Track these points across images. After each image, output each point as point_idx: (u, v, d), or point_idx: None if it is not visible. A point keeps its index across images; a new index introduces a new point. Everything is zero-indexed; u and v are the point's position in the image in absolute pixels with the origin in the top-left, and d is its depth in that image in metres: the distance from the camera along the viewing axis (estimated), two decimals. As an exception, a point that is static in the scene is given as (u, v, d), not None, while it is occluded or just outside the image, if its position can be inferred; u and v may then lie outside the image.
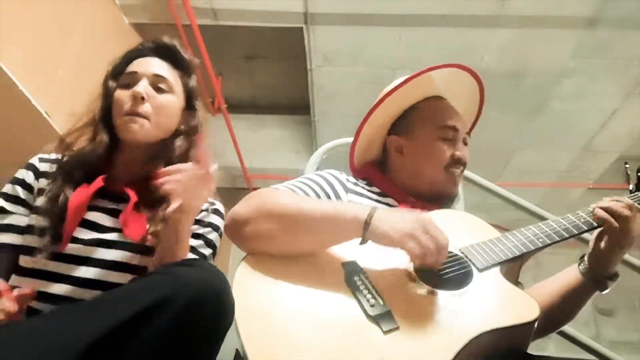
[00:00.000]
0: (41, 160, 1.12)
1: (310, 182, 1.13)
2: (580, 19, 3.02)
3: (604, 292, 1.09)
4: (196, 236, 1.11)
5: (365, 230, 0.89)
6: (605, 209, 1.04)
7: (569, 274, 1.12)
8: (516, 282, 1.07)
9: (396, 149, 1.25)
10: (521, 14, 3.00)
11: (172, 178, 0.92)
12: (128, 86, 1.11)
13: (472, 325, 0.83)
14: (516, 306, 0.88)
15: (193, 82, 1.19)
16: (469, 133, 1.28)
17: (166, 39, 1.18)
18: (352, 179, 1.21)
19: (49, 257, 0.98)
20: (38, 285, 0.97)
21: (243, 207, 0.99)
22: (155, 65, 1.13)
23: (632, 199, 1.11)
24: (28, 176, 1.09)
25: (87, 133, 1.11)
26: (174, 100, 1.13)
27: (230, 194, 4.32)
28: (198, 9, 3.05)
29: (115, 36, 2.93)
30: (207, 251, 1.12)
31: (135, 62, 1.15)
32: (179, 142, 1.11)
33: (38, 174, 1.10)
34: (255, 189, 1.04)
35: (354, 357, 0.78)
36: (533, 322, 0.86)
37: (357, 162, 1.31)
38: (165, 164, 1.03)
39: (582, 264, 1.11)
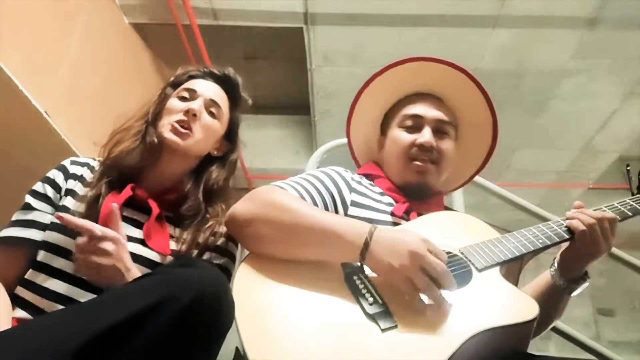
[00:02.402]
0: (72, 162, 1.17)
1: (315, 179, 1.12)
2: (580, 19, 3.02)
3: (572, 295, 1.08)
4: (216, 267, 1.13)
5: (362, 260, 0.89)
6: (578, 219, 1.03)
7: (544, 278, 1.12)
8: (516, 283, 1.07)
9: (380, 147, 1.28)
10: (521, 14, 3.00)
11: (76, 257, 0.92)
12: (184, 99, 1.18)
13: (470, 324, 0.83)
14: (515, 305, 0.88)
15: (238, 116, 1.28)
16: (447, 123, 1.21)
17: (232, 72, 1.27)
18: (357, 177, 1.20)
19: None
20: (50, 284, 0.99)
21: (244, 208, 0.99)
22: (213, 92, 1.22)
23: (634, 202, 1.11)
24: (58, 176, 1.13)
25: (137, 134, 1.15)
26: (219, 127, 1.21)
27: (231, 194, 4.32)
28: (198, 9, 3.05)
29: (115, 36, 2.93)
30: None
31: (197, 81, 1.23)
32: (217, 171, 1.19)
33: (68, 176, 1.14)
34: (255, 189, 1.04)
35: (353, 354, 0.78)
36: (532, 321, 0.86)
37: (363, 161, 1.33)
38: (202, 189, 1.13)
39: (552, 267, 1.10)
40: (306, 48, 3.33)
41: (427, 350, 0.79)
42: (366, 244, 0.88)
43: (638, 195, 1.14)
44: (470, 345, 0.80)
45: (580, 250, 1.03)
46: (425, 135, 1.17)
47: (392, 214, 1.11)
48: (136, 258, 1.02)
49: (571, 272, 1.06)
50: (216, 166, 1.20)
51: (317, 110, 3.90)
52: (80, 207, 1.05)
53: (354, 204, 1.11)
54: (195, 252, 1.10)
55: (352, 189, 1.14)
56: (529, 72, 3.45)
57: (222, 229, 1.13)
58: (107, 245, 0.92)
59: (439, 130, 1.20)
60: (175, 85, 1.23)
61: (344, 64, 3.46)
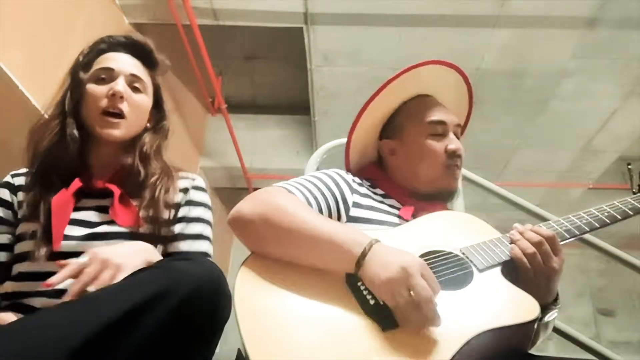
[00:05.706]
0: (14, 175, 1.14)
1: (318, 181, 1.12)
2: (580, 19, 3.02)
3: (542, 321, 0.97)
4: (199, 237, 1.14)
5: (357, 269, 0.88)
6: (519, 247, 0.96)
7: None
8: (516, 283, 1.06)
9: (390, 152, 1.25)
10: (521, 14, 3.00)
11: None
12: (103, 81, 1.11)
13: (471, 324, 0.83)
14: (516, 306, 0.88)
15: (159, 81, 1.21)
16: (460, 126, 1.25)
17: (140, 37, 1.19)
18: (358, 180, 1.20)
19: (46, 257, 0.98)
20: (36, 287, 0.97)
21: (247, 207, 0.99)
22: (131, 64, 1.14)
23: (635, 201, 1.11)
24: (4, 193, 1.10)
25: (55, 127, 1.09)
26: (147, 101, 1.16)
27: (230, 194, 4.32)
28: (198, 9, 3.04)
29: (115, 36, 2.92)
30: (204, 246, 1.15)
31: (108, 56, 1.15)
32: (149, 138, 1.14)
33: (13, 189, 1.11)
34: (255, 189, 1.04)
35: (354, 355, 0.78)
36: (533, 321, 0.86)
37: (356, 165, 1.29)
38: (138, 156, 1.09)
39: None
40: (306, 48, 3.32)
41: (429, 351, 0.79)
42: (364, 254, 0.87)
43: (639, 194, 1.14)
44: (472, 345, 0.80)
45: (530, 278, 0.95)
46: (455, 142, 1.18)
47: (400, 216, 1.11)
48: (110, 235, 1.01)
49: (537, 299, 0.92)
50: (149, 134, 1.16)
51: (317, 110, 3.90)
52: (29, 210, 1.03)
53: (356, 205, 1.11)
54: (167, 212, 1.09)
55: (353, 190, 1.14)
56: (529, 72, 3.45)
57: (176, 183, 1.13)
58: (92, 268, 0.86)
59: (456, 134, 1.21)
60: (86, 65, 1.14)
61: (344, 64, 3.45)
